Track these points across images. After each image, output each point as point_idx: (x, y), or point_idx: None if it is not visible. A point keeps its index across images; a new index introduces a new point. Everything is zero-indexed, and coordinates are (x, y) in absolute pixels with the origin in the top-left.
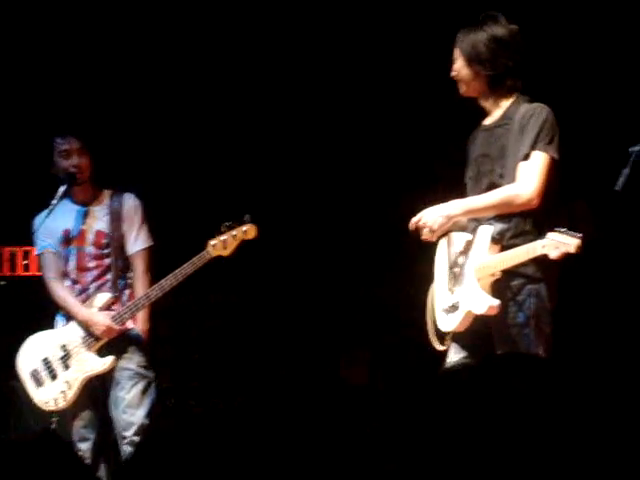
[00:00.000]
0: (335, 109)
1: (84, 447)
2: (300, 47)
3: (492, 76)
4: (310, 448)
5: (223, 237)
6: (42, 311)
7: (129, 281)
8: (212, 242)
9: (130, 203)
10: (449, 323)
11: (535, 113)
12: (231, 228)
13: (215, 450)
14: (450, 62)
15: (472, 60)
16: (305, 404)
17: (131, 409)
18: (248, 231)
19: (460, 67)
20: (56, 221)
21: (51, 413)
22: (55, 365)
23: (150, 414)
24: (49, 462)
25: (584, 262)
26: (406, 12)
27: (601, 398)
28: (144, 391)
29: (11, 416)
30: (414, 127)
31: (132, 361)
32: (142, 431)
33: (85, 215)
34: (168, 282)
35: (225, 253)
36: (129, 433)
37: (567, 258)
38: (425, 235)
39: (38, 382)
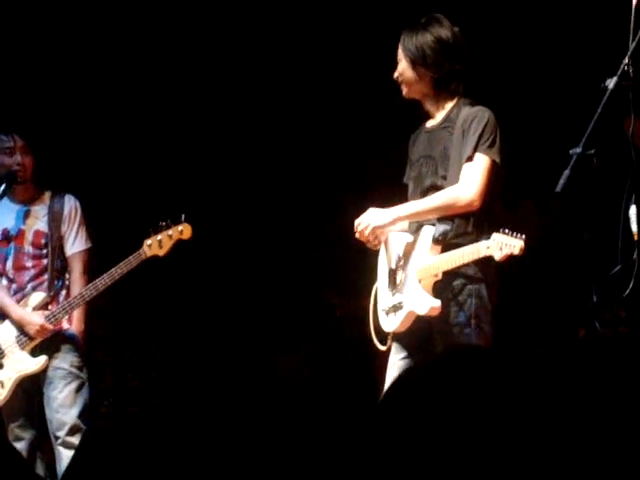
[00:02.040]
0: (270, 108)
1: (19, 446)
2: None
3: (437, 79)
4: (247, 446)
5: (159, 236)
6: None
7: (66, 282)
8: (148, 241)
9: (70, 204)
10: (391, 323)
11: (477, 116)
12: (167, 228)
13: (152, 451)
14: (390, 62)
15: (417, 62)
16: (243, 403)
17: (63, 408)
18: (184, 231)
19: (404, 69)
20: None
21: None
22: None
23: (82, 414)
24: None
25: (525, 262)
26: (346, 13)
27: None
28: (77, 391)
29: None
30: (351, 127)
31: (65, 361)
32: (74, 431)
33: (25, 215)
34: (103, 281)
35: (161, 253)
36: (61, 433)
37: (509, 259)
38: (368, 238)
39: None
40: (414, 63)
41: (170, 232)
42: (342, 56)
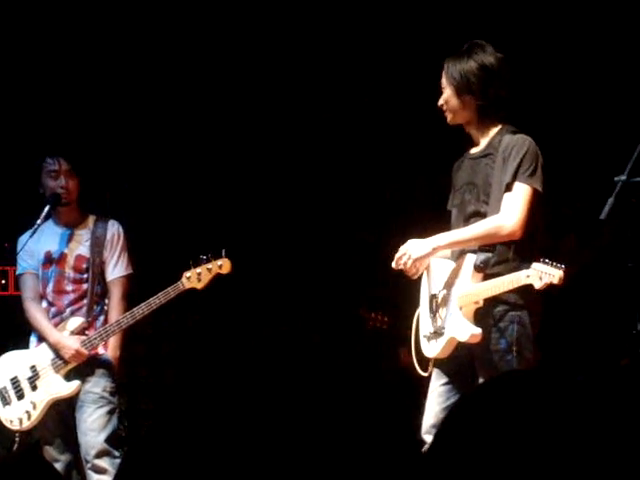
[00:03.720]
0: (313, 139)
1: (56, 467)
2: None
3: (482, 106)
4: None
5: (198, 270)
6: (18, 330)
7: (105, 308)
8: (187, 274)
9: (114, 230)
10: (432, 349)
11: (517, 145)
12: (207, 261)
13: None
14: (435, 89)
15: (462, 90)
16: (284, 427)
17: (92, 432)
18: (223, 265)
19: (449, 97)
20: (39, 242)
21: (15, 432)
22: (23, 385)
23: (111, 439)
24: None
25: (569, 290)
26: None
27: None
28: (106, 415)
29: None
30: (396, 152)
31: (98, 385)
32: (102, 455)
33: (69, 238)
34: (140, 311)
35: (199, 286)
36: (90, 457)
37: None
38: (410, 269)
39: (5, 400)
40: (458, 90)
41: (210, 266)
42: (390, 83)
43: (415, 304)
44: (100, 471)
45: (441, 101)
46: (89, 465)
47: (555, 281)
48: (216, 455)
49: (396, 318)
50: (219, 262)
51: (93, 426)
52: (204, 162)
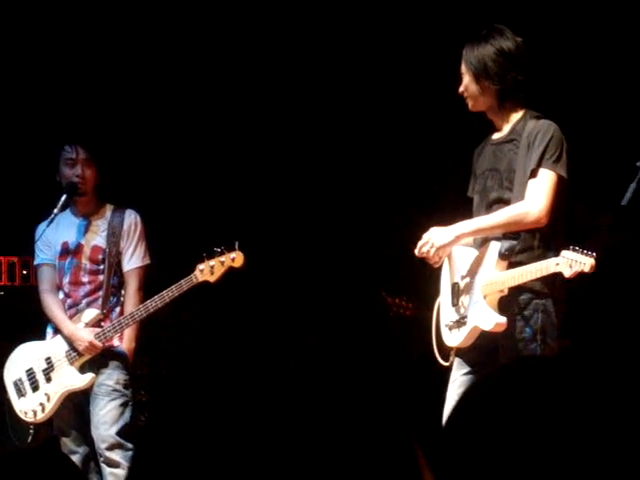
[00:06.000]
0: (330, 127)
1: (73, 459)
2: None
3: (501, 91)
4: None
5: (211, 262)
6: (38, 321)
7: (122, 299)
8: (200, 267)
9: (130, 219)
10: (454, 338)
11: (542, 130)
12: (220, 254)
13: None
14: (454, 76)
15: (480, 75)
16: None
17: (104, 425)
18: (236, 258)
19: (468, 83)
20: (57, 233)
21: (29, 425)
22: (38, 376)
23: (122, 432)
24: (49, 474)
25: (596, 277)
26: (411, 26)
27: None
28: (119, 408)
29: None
30: (417, 140)
31: (111, 378)
32: (114, 447)
33: (85, 229)
34: (153, 304)
35: (212, 279)
36: (102, 450)
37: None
38: (433, 258)
39: (20, 392)
40: (477, 76)
41: (222, 259)
42: (410, 73)
43: (436, 292)
44: (113, 464)
45: (461, 88)
46: (102, 458)
47: (586, 269)
48: (228, 450)
49: (419, 306)
50: (232, 255)
51: (105, 419)
52: (221, 154)
